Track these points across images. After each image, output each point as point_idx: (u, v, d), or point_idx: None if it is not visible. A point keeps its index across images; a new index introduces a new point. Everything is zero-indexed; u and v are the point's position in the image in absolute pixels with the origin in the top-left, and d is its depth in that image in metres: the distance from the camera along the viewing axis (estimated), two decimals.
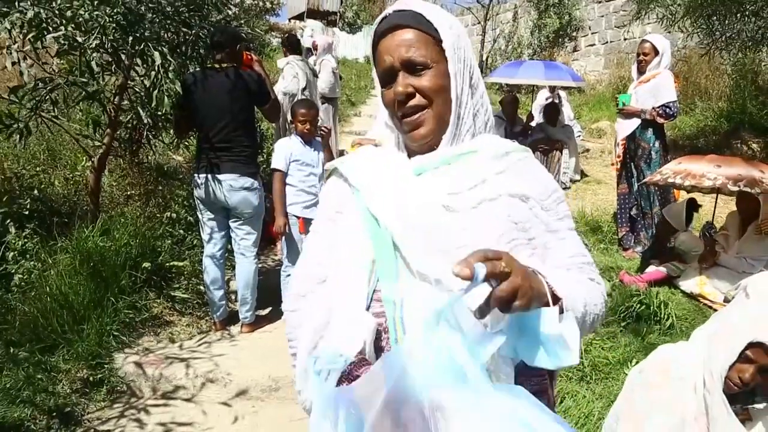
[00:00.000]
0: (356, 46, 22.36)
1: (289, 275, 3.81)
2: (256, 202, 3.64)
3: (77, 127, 4.43)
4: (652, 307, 3.75)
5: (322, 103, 6.87)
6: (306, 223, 3.73)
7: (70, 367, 3.08)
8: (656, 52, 4.75)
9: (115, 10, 3.38)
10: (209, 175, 3.54)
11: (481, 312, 0.80)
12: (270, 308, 4.08)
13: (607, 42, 13.20)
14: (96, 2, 3.33)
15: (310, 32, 16.89)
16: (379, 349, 1.02)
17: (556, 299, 0.93)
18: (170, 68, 3.59)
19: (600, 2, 13.51)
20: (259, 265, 3.89)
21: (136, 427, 2.83)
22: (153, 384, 3.19)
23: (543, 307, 0.88)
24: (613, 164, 5.35)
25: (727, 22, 6.51)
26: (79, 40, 3.40)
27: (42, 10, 3.17)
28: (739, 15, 6.31)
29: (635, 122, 4.83)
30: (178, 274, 4.20)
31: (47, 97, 3.61)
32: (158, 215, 4.65)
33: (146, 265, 3.86)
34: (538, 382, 1.04)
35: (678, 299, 4.14)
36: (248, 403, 3.09)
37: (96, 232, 3.82)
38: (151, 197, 4.92)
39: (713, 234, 4.49)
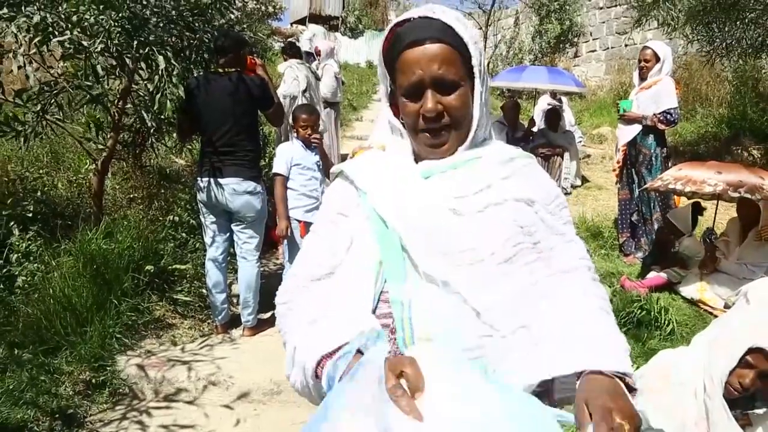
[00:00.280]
0: (358, 50, 22.42)
1: None
2: (258, 205, 3.65)
3: (80, 130, 4.45)
4: (652, 313, 3.76)
5: (324, 108, 6.90)
6: (307, 227, 3.75)
7: (73, 369, 3.09)
8: (657, 59, 4.78)
9: (120, 15, 3.41)
10: (212, 179, 3.55)
11: None
12: (272, 312, 4.07)
13: (608, 48, 13.25)
14: (101, 7, 3.35)
15: (309, 36, 16.93)
16: None
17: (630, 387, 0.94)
18: (174, 72, 3.62)
19: (601, 8, 13.57)
20: (261, 269, 3.90)
21: (138, 430, 2.84)
22: (155, 386, 3.20)
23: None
24: (614, 170, 5.37)
25: (727, 29, 6.54)
26: (85, 44, 3.43)
27: (48, 15, 3.20)
28: (738, 23, 6.34)
29: (636, 128, 4.86)
30: (181, 277, 4.21)
31: (53, 100, 3.63)
32: (161, 218, 4.66)
33: (149, 268, 3.88)
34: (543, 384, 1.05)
35: (678, 305, 4.15)
36: (250, 406, 3.10)
37: (99, 235, 3.83)
38: (153, 200, 4.94)
39: (714, 240, 4.51)
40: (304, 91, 6.22)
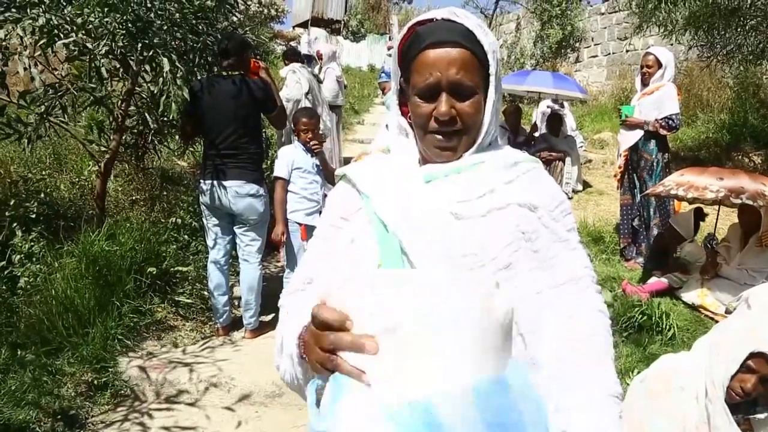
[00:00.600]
0: (360, 54, 22.50)
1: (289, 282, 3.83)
2: (261, 208, 3.66)
3: (83, 132, 4.47)
4: (653, 318, 3.77)
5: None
6: (308, 229, 3.76)
7: (75, 370, 3.10)
8: (660, 65, 4.80)
9: (124, 17, 3.43)
10: (215, 182, 3.56)
11: None
12: (273, 314, 4.10)
13: (609, 53, 13.27)
14: (106, 9, 3.37)
15: (307, 39, 17.00)
16: None
17: None
18: (178, 75, 3.64)
19: (603, 14, 13.61)
20: (263, 272, 3.91)
21: (139, 431, 2.84)
22: (156, 388, 3.20)
23: None
24: (615, 175, 5.38)
25: (727, 35, 6.56)
26: (89, 46, 3.44)
27: (53, 17, 3.22)
28: (739, 29, 6.36)
29: (638, 134, 4.87)
30: (183, 279, 4.23)
31: (57, 102, 3.65)
32: (163, 220, 4.67)
33: (151, 269, 3.89)
34: None
35: (679, 310, 4.15)
36: (252, 408, 3.10)
37: (101, 237, 3.84)
38: (156, 202, 4.96)
39: (715, 245, 4.52)
40: (307, 94, 6.23)
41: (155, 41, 3.57)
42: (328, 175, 3.92)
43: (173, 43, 3.88)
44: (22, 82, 4.71)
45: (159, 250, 4.18)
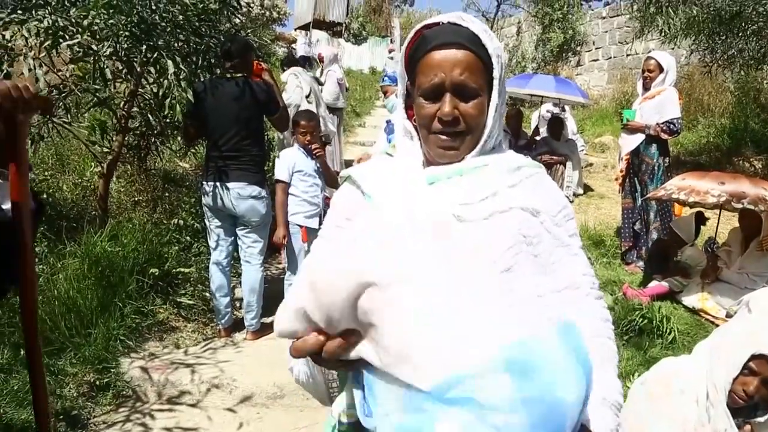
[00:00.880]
0: (361, 57, 22.53)
1: (290, 284, 3.85)
2: (263, 210, 3.67)
3: (86, 133, 4.48)
4: (654, 322, 3.78)
5: (329, 113, 6.92)
6: (309, 232, 3.77)
7: (77, 370, 3.10)
8: (661, 69, 4.81)
9: (129, 19, 3.44)
10: (217, 183, 3.57)
11: None
12: (274, 316, 4.10)
13: (610, 57, 13.30)
14: (111, 11, 3.39)
15: (303, 41, 17.03)
16: None
17: None
18: (182, 77, 3.65)
19: (604, 18, 13.63)
20: (265, 273, 3.92)
21: None
22: (158, 389, 3.21)
23: None
24: (616, 179, 5.39)
25: (728, 40, 6.57)
26: (94, 47, 3.46)
27: (59, 19, 3.24)
28: (740, 34, 6.37)
29: (639, 137, 4.88)
30: (185, 280, 4.24)
31: (61, 103, 3.66)
32: (165, 222, 4.68)
33: (153, 270, 3.90)
34: None
35: (680, 314, 4.16)
36: (253, 409, 3.11)
37: (104, 238, 3.85)
38: (158, 204, 4.97)
39: (716, 249, 4.53)
40: (307, 97, 6.24)
41: (159, 43, 3.58)
42: (328, 179, 3.93)
43: (176, 45, 3.90)
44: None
45: (161, 252, 4.19)
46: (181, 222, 4.73)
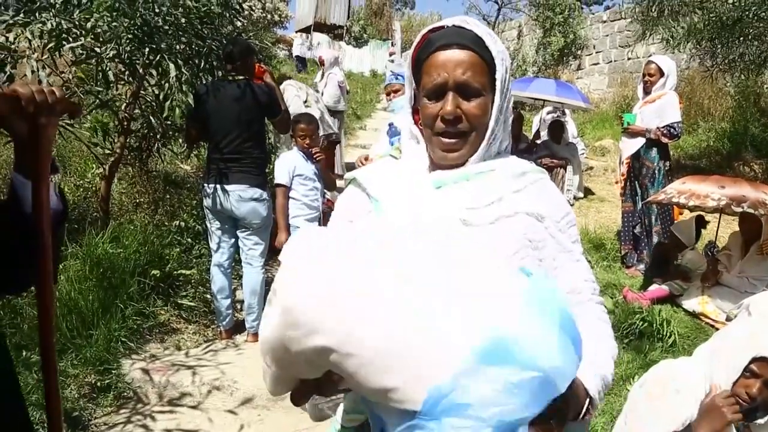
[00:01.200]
0: (362, 59, 22.56)
1: None
2: (264, 212, 3.68)
3: (88, 135, 4.49)
4: (654, 325, 3.78)
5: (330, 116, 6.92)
6: None
7: (78, 372, 3.11)
8: (662, 73, 4.82)
9: (132, 22, 3.46)
10: (218, 185, 3.58)
11: None
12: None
13: (611, 61, 13.32)
14: (114, 14, 3.40)
15: (300, 42, 17.03)
16: None
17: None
18: (183, 80, 3.66)
19: (605, 22, 13.66)
20: (266, 275, 3.92)
21: None
22: (159, 390, 3.21)
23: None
24: (617, 182, 5.41)
25: (729, 45, 6.58)
26: (97, 50, 3.47)
27: (62, 21, 3.25)
28: (741, 39, 6.38)
29: (640, 141, 4.89)
30: (186, 282, 4.24)
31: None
32: (167, 224, 4.69)
33: (154, 272, 3.90)
34: None
35: (680, 317, 4.16)
36: (254, 411, 3.11)
37: (105, 239, 3.86)
38: (159, 206, 4.97)
39: (716, 253, 4.53)
40: (305, 101, 6.23)
41: (161, 46, 3.60)
42: (327, 182, 3.94)
43: (179, 47, 3.91)
44: None
45: (162, 253, 4.20)
46: (183, 224, 4.74)
